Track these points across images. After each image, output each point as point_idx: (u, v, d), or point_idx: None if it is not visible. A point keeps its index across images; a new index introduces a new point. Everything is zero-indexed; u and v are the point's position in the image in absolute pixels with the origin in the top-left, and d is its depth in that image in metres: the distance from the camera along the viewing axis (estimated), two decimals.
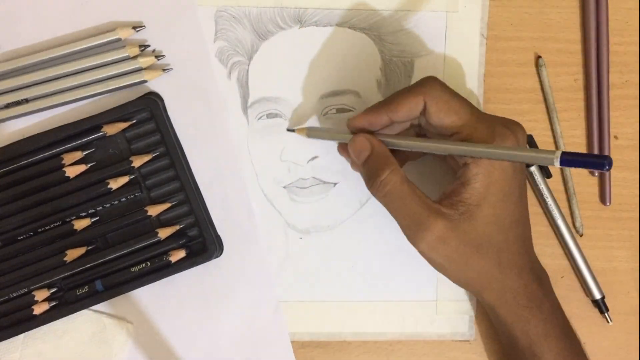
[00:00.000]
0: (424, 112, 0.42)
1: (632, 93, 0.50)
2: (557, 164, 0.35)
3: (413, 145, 0.42)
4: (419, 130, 0.45)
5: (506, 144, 0.40)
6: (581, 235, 0.49)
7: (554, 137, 0.49)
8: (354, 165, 0.45)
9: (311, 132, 0.47)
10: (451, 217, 0.41)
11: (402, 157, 0.46)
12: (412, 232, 0.41)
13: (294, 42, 0.48)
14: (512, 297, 0.43)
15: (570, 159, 0.35)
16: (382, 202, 0.42)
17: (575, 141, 0.50)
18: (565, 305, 0.46)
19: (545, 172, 0.49)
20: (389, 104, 0.43)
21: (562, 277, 0.50)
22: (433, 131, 0.43)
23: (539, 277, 0.44)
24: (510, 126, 0.42)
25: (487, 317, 0.49)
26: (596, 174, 0.50)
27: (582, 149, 0.50)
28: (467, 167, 0.41)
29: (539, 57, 0.49)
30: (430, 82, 0.42)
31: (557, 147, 0.49)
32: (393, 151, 0.43)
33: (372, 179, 0.42)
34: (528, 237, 0.44)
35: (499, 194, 0.41)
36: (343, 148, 0.46)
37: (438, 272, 0.49)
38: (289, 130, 0.48)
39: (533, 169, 0.48)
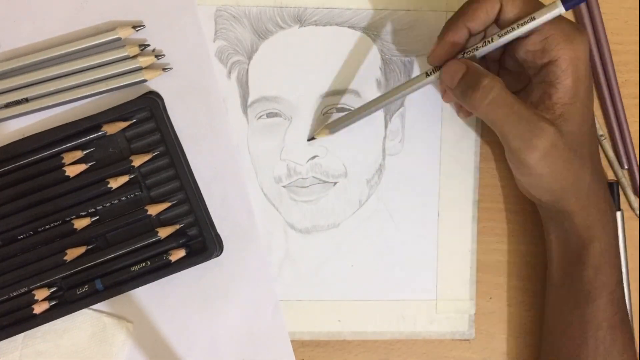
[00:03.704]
0: (498, 15, 0.41)
1: (632, 93, 0.50)
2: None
3: (501, 41, 0.41)
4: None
5: (583, 40, 0.40)
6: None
7: None
8: (445, 97, 0.45)
9: (333, 126, 0.47)
10: (554, 122, 0.40)
11: None
12: (525, 140, 0.40)
13: (294, 42, 0.48)
14: (595, 200, 0.43)
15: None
16: (486, 112, 0.40)
17: None
18: None
19: None
20: (464, 13, 0.41)
21: None
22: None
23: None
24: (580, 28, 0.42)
25: (486, 316, 0.49)
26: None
27: None
28: (554, 63, 0.40)
29: None
30: None
31: None
32: None
33: (472, 88, 0.40)
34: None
35: (586, 89, 0.41)
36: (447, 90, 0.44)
37: (438, 271, 0.50)
38: (309, 140, 0.48)
39: None
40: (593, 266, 0.43)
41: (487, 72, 0.41)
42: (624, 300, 0.44)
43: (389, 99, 0.45)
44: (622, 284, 0.45)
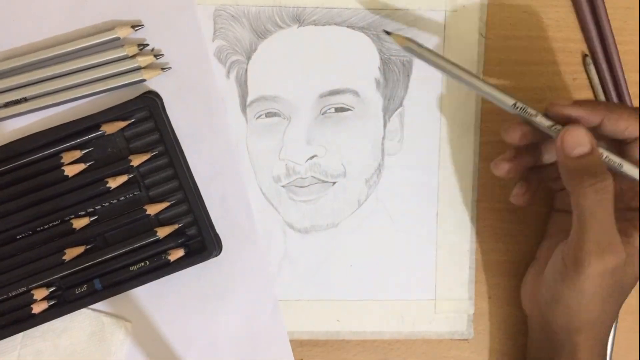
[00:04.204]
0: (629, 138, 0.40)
1: (632, 92, 0.50)
2: None
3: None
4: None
5: None
6: None
7: None
8: (517, 142, 0.43)
9: (412, 44, 0.43)
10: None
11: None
12: (600, 248, 0.38)
13: (293, 41, 0.48)
14: (600, 347, 0.42)
15: None
16: (589, 204, 0.38)
17: None
18: None
19: None
20: (611, 111, 0.40)
21: None
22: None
23: None
24: None
25: (485, 316, 0.49)
26: None
27: None
28: None
29: (586, 55, 0.49)
30: None
31: None
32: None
33: (591, 176, 0.38)
34: None
35: None
36: (514, 127, 0.42)
37: (436, 271, 0.50)
38: (386, 32, 0.45)
39: None
40: None
41: (606, 169, 0.39)
42: None
43: (474, 83, 0.42)
44: None
